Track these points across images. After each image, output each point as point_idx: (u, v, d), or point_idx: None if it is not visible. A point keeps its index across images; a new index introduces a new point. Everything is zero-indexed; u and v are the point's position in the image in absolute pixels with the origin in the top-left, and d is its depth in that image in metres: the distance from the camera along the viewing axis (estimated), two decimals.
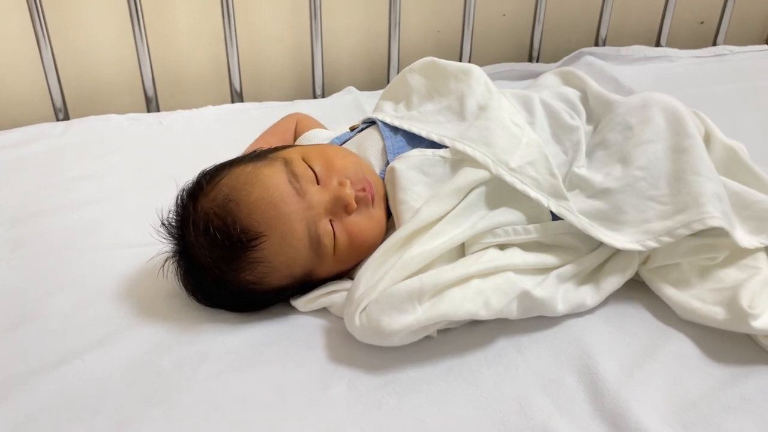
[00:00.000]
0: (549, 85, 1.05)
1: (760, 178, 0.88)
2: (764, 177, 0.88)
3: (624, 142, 0.85)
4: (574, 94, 0.97)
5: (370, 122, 0.94)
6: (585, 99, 0.97)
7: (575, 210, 0.79)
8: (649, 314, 0.78)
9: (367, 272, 0.74)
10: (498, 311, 0.72)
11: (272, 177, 0.77)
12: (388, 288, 0.70)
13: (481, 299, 0.71)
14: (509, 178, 0.80)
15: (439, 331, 0.75)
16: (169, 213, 0.80)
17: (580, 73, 1.02)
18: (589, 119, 0.94)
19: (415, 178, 0.81)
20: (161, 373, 0.71)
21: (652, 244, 0.78)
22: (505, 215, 0.79)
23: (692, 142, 0.83)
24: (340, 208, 0.78)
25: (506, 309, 0.73)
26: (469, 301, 0.71)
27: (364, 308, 0.71)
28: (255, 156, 0.83)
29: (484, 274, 0.73)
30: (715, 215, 0.76)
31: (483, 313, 0.71)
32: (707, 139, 0.94)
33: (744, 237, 0.79)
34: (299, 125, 1.07)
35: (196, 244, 0.75)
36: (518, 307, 0.74)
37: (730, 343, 0.73)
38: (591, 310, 0.78)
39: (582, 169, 0.85)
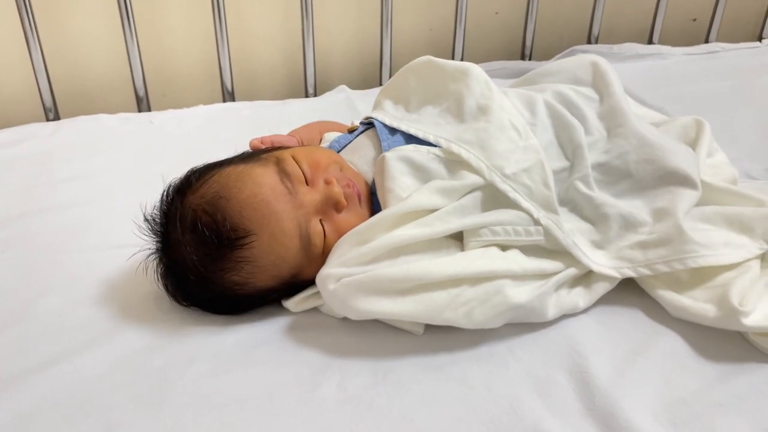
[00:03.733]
0: (563, 71, 1.01)
1: (737, 195, 0.87)
2: (742, 192, 0.87)
3: (626, 176, 0.85)
4: (580, 96, 0.95)
5: (368, 124, 0.93)
6: (600, 102, 0.95)
7: (563, 225, 0.79)
8: (641, 313, 0.78)
9: (344, 244, 0.75)
10: (480, 323, 0.72)
11: (264, 175, 0.77)
12: (375, 270, 0.71)
13: (464, 309, 0.71)
14: (502, 185, 0.79)
15: (429, 330, 0.75)
16: (153, 209, 0.79)
17: (606, 71, 0.97)
18: (603, 122, 0.92)
19: (404, 169, 0.81)
20: (150, 374, 0.70)
21: (630, 273, 0.78)
22: (500, 215, 0.78)
23: (694, 193, 0.83)
24: (330, 207, 0.78)
25: (490, 322, 0.72)
26: (451, 310, 0.71)
27: (341, 278, 0.71)
28: (246, 156, 0.82)
29: (478, 279, 0.72)
30: (701, 254, 0.76)
31: (463, 323, 0.71)
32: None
33: (735, 252, 0.78)
34: (322, 128, 1.04)
35: (182, 241, 0.74)
36: (505, 318, 0.73)
37: (721, 341, 0.73)
38: (582, 310, 0.78)
39: (582, 183, 0.84)
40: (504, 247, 0.78)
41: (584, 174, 0.85)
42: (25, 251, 0.90)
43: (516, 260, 0.76)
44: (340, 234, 0.78)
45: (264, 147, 0.90)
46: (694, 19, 1.70)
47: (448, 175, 0.81)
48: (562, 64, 1.03)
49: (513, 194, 0.79)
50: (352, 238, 0.75)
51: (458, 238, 0.79)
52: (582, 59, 1.02)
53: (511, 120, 0.85)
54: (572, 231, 0.80)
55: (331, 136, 0.96)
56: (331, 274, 0.73)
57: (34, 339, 0.75)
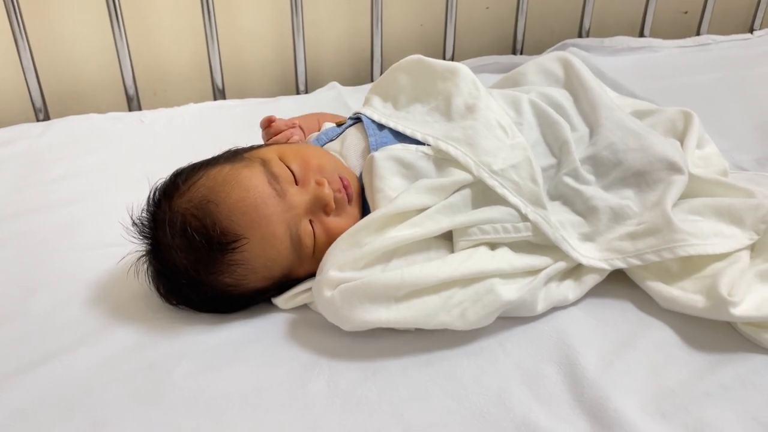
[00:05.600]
0: (537, 71, 1.02)
1: (726, 186, 0.87)
2: (730, 183, 0.87)
3: (615, 165, 0.85)
4: (564, 96, 0.95)
5: (356, 119, 0.93)
6: (578, 100, 0.95)
7: (552, 220, 0.79)
8: (630, 304, 0.78)
9: (336, 249, 0.74)
10: (474, 323, 0.72)
11: (252, 178, 0.76)
12: (369, 277, 0.70)
13: (458, 311, 0.71)
14: (490, 181, 0.79)
15: None
16: (141, 212, 0.79)
17: (579, 68, 0.98)
18: (585, 119, 0.93)
19: (393, 168, 0.81)
20: (139, 372, 0.70)
21: (619, 264, 0.78)
22: (489, 213, 0.78)
23: (682, 177, 0.83)
24: (319, 209, 0.78)
25: (483, 320, 0.72)
26: (445, 312, 0.71)
27: (338, 285, 0.71)
28: (231, 156, 0.82)
29: (468, 280, 0.73)
30: (690, 242, 0.76)
31: (458, 325, 0.71)
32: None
33: (725, 241, 0.78)
34: (320, 119, 1.04)
35: (172, 246, 0.74)
36: (496, 315, 0.74)
37: (710, 331, 0.73)
38: (572, 302, 0.78)
39: (570, 178, 0.85)
40: (493, 246, 0.78)
41: (572, 168, 0.85)
42: (15, 250, 0.90)
43: (505, 258, 0.76)
44: (329, 234, 0.78)
45: (278, 126, 0.93)
46: (686, 12, 1.70)
47: (437, 173, 0.81)
48: (539, 64, 1.03)
49: (501, 190, 0.79)
50: (344, 242, 0.75)
51: (447, 238, 0.79)
52: (554, 57, 1.03)
53: (498, 120, 0.86)
54: (561, 224, 0.81)
55: (329, 126, 0.95)
56: (327, 279, 0.72)
57: (25, 337, 0.75)
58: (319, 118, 1.02)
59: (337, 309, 0.71)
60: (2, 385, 0.69)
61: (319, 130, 0.96)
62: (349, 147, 0.88)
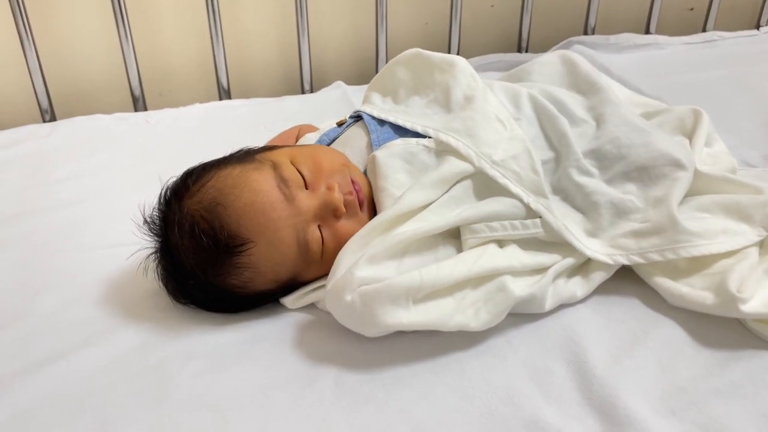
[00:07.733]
0: (541, 70, 1.01)
1: (734, 183, 0.86)
2: (738, 180, 0.86)
3: (618, 159, 0.84)
4: (565, 94, 0.95)
5: (357, 117, 0.93)
6: (585, 97, 0.95)
7: (554, 209, 0.79)
8: (639, 301, 0.77)
9: (348, 252, 0.73)
10: (487, 322, 0.71)
11: (261, 182, 0.76)
12: (390, 279, 0.69)
13: (472, 311, 0.71)
14: (491, 171, 0.79)
15: None
16: (152, 211, 0.79)
17: (583, 65, 0.98)
18: (589, 114, 0.92)
19: (396, 165, 0.81)
20: (147, 372, 0.70)
21: (623, 260, 0.78)
22: (493, 206, 0.78)
23: (686, 174, 0.82)
24: (329, 213, 0.78)
25: (496, 319, 0.72)
26: (460, 314, 0.71)
27: (358, 287, 0.69)
28: (242, 157, 0.81)
29: (478, 280, 0.72)
30: (694, 243, 0.76)
31: (473, 325, 0.71)
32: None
33: (733, 239, 0.78)
34: (300, 132, 1.04)
35: (180, 246, 0.74)
36: (507, 312, 0.73)
37: (719, 328, 0.73)
38: (580, 299, 0.77)
39: (575, 170, 0.84)
40: (501, 243, 0.78)
41: (575, 160, 0.84)
42: (21, 251, 0.90)
43: (515, 256, 0.76)
44: (338, 240, 0.77)
45: None
46: (692, 9, 1.69)
47: (439, 165, 0.81)
48: (543, 63, 1.02)
49: (502, 180, 0.79)
50: (355, 244, 0.74)
51: (454, 236, 0.78)
52: (558, 56, 1.02)
53: (496, 113, 0.86)
54: (564, 217, 0.80)
55: (311, 137, 0.95)
56: (346, 280, 0.70)
57: (31, 338, 0.75)
58: (298, 133, 1.02)
59: (359, 313, 0.69)
60: (8, 386, 0.69)
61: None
62: (352, 146, 0.88)
